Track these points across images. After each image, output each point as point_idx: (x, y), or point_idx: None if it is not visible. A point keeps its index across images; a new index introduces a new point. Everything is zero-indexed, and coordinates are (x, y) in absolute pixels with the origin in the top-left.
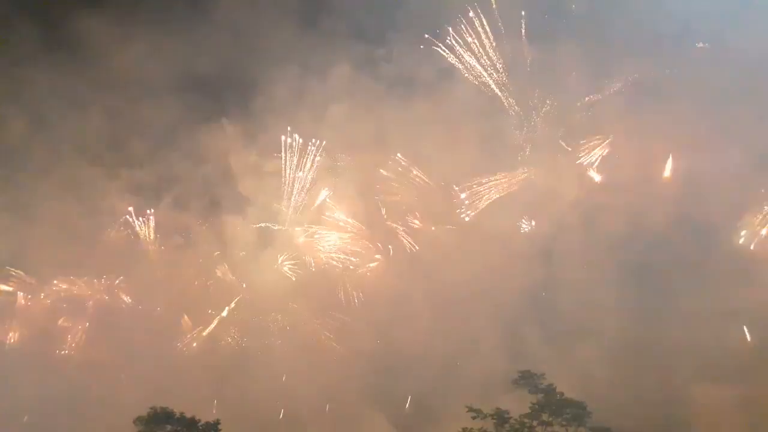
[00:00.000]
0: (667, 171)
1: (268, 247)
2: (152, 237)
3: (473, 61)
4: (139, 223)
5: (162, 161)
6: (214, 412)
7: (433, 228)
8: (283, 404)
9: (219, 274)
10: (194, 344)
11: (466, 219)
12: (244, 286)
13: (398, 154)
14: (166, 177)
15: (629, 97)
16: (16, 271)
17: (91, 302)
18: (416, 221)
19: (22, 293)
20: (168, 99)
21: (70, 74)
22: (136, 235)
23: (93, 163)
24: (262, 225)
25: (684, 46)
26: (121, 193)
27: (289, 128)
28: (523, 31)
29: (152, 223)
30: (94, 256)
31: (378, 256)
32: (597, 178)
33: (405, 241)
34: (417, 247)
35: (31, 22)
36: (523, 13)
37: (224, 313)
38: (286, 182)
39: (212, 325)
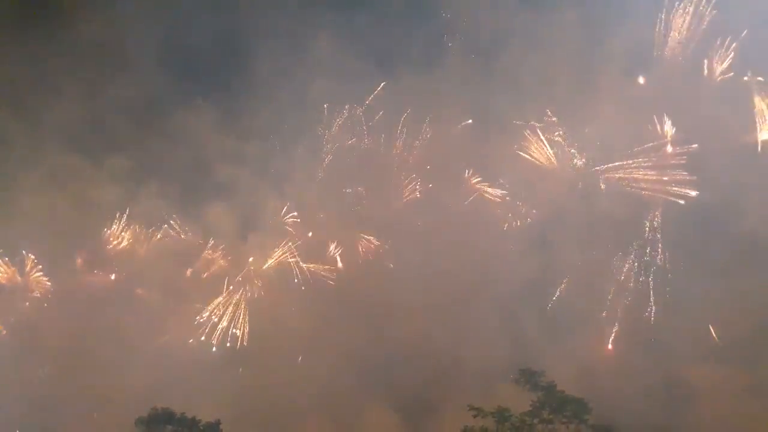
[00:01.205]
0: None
1: (263, 240)
2: (138, 227)
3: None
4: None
5: (145, 146)
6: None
7: (420, 224)
8: (282, 401)
9: (212, 268)
10: (191, 341)
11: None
12: (239, 277)
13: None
14: (151, 162)
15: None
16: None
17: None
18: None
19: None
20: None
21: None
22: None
23: (73, 148)
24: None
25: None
26: (105, 179)
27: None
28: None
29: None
30: (81, 247)
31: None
32: (592, 158)
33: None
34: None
35: None
36: None
37: (219, 318)
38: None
39: (211, 324)
